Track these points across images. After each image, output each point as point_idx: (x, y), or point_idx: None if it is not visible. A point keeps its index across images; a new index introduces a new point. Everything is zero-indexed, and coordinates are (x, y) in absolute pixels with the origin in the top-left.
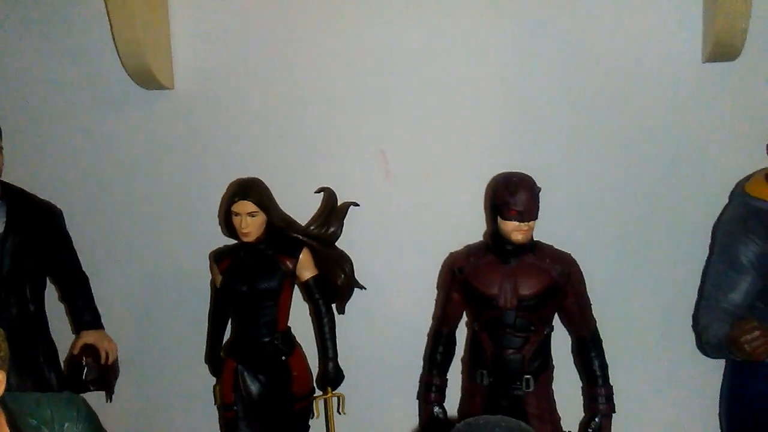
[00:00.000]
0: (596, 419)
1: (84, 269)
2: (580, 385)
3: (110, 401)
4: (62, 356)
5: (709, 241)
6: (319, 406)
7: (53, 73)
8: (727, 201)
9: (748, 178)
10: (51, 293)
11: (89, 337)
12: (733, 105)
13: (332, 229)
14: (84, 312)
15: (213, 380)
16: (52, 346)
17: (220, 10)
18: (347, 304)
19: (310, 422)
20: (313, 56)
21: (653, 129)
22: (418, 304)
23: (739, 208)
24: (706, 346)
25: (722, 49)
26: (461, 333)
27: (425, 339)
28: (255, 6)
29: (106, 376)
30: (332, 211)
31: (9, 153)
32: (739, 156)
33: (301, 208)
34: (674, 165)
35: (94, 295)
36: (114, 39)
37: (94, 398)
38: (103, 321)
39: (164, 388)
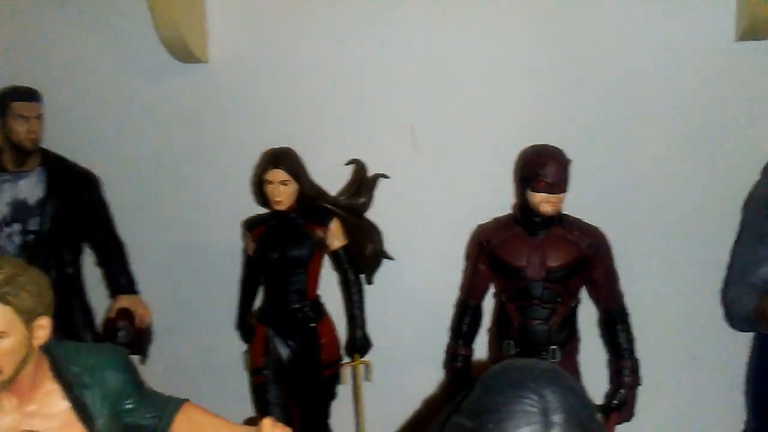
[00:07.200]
0: (621, 391)
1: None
2: (606, 357)
3: (144, 364)
4: (98, 322)
5: (740, 216)
6: (346, 372)
7: (90, 45)
8: (758, 177)
9: None
10: (88, 259)
11: (124, 301)
12: (765, 83)
13: (362, 200)
14: (120, 277)
15: (243, 346)
16: (87, 309)
17: None
18: (375, 274)
19: (338, 389)
20: (345, 31)
21: (685, 106)
22: (445, 275)
23: None
24: (735, 319)
25: (755, 27)
26: (488, 304)
27: (452, 310)
28: None
29: (139, 340)
30: (362, 183)
31: (48, 122)
32: None
33: (332, 180)
34: (706, 142)
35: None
36: (150, 11)
37: None
38: (137, 287)
39: (196, 353)
